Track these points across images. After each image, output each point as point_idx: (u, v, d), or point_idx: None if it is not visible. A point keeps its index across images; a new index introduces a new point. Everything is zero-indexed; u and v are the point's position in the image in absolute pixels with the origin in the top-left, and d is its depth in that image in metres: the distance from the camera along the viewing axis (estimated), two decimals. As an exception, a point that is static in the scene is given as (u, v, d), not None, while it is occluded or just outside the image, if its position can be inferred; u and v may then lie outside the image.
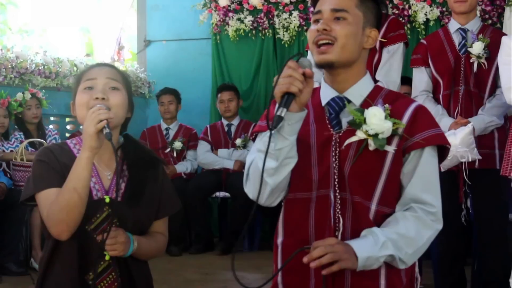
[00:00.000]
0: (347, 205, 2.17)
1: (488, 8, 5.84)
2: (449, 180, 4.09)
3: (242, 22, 6.82)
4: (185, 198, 6.20)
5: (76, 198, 2.22)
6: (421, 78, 4.30)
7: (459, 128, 3.94)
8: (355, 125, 2.16)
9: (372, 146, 2.14)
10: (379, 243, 2.06)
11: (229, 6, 6.88)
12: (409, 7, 6.13)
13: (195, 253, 6.14)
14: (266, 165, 2.07)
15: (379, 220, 2.15)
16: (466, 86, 4.11)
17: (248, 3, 6.75)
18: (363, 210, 2.16)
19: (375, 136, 2.13)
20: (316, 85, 4.16)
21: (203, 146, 6.57)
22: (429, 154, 2.20)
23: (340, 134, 2.21)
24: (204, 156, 6.52)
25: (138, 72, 7.41)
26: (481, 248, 4.16)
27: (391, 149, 2.15)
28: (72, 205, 2.23)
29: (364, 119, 2.14)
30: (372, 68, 4.04)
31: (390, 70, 4.02)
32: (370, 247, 2.05)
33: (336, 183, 2.19)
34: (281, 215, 2.30)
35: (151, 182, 2.43)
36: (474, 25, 4.19)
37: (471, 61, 4.09)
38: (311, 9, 6.39)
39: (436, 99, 4.25)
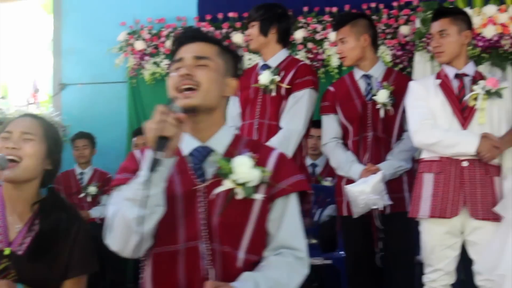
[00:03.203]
0: (216, 256, 2.16)
1: (399, 53, 5.98)
2: (362, 226, 4.14)
3: (158, 65, 6.80)
4: (99, 244, 6.08)
5: None
6: (330, 125, 4.35)
7: (369, 175, 3.98)
8: (223, 175, 2.17)
9: (240, 195, 2.15)
10: None
11: (145, 49, 6.85)
12: (323, 52, 6.22)
13: (109, 300, 6.01)
14: (136, 213, 2.03)
15: (248, 268, 2.15)
16: (374, 132, 4.17)
17: (164, 47, 6.75)
18: (232, 259, 2.15)
19: (243, 184, 2.14)
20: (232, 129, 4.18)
21: (119, 191, 6.47)
22: (294, 200, 2.24)
23: (207, 184, 2.20)
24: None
25: (52, 115, 7.29)
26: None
27: (259, 196, 2.17)
28: None
29: (231, 168, 2.15)
30: (279, 115, 4.04)
31: (294, 118, 4.01)
32: None
33: (205, 234, 2.17)
34: (149, 271, 2.24)
35: (61, 239, 2.38)
36: (377, 70, 4.27)
37: (377, 107, 4.15)
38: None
39: (346, 145, 4.29)
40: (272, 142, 3.91)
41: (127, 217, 2.06)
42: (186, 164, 2.26)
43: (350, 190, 4.02)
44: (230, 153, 2.23)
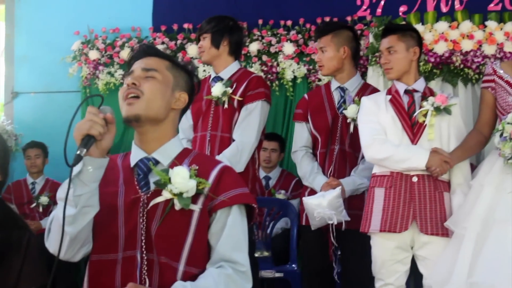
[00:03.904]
0: (154, 266, 2.18)
1: (353, 67, 6.02)
2: (320, 239, 4.16)
3: (112, 75, 6.75)
4: (50, 255, 6.01)
5: None
6: (301, 133, 4.38)
7: (329, 190, 4.00)
8: (160, 185, 2.19)
9: (177, 205, 2.17)
10: None
11: (99, 59, 6.80)
12: (277, 65, 6.24)
13: (59, 312, 5.94)
14: (65, 212, 2.04)
15: (187, 280, 2.16)
16: (341, 145, 4.19)
17: (119, 57, 6.70)
18: (170, 271, 2.17)
19: (180, 195, 2.16)
20: (184, 142, 4.16)
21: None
22: (236, 213, 2.25)
23: (148, 195, 2.22)
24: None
25: (4, 124, 7.20)
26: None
27: (196, 207, 2.19)
28: None
29: (169, 179, 2.17)
30: (231, 128, 4.04)
31: (246, 129, 4.00)
32: None
33: (143, 244, 2.19)
34: (85, 278, 2.26)
35: (12, 252, 2.36)
36: (352, 84, 4.29)
37: (348, 121, 4.17)
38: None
39: (315, 155, 4.31)
40: (225, 154, 3.91)
41: (59, 217, 2.08)
42: (133, 175, 2.30)
43: (307, 202, 4.03)
44: (175, 165, 2.25)
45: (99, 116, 2.09)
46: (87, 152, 2.06)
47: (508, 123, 3.49)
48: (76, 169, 2.07)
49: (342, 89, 4.28)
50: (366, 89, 4.28)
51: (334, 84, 4.32)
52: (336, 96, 4.30)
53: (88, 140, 2.06)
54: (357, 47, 4.34)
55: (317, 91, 4.51)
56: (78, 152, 2.04)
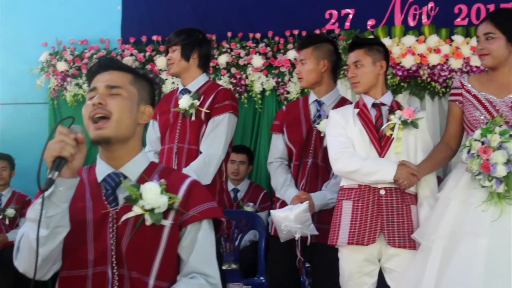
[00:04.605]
0: (125, 282, 2.17)
1: (321, 80, 6.05)
2: (288, 250, 4.15)
3: (80, 87, 6.71)
4: (13, 267, 5.94)
5: None
6: (277, 144, 4.38)
7: (297, 203, 4.00)
8: (131, 201, 2.20)
9: (148, 221, 2.18)
10: None
11: (67, 71, 6.76)
12: (246, 77, 6.25)
13: (25, 325, 5.87)
14: (35, 234, 2.02)
15: None
16: (314, 159, 4.19)
17: (87, 69, 6.65)
18: (141, 285, 2.17)
19: (152, 211, 2.16)
20: (151, 154, 4.12)
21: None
22: (206, 227, 2.27)
23: (117, 210, 2.22)
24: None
25: (-29, 136, 7.14)
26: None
27: (167, 223, 2.20)
28: None
29: (140, 195, 2.17)
30: (198, 140, 4.04)
31: (213, 142, 4.01)
32: None
33: (113, 259, 2.19)
34: None
35: None
36: (330, 98, 4.30)
37: (321, 135, 4.17)
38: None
39: (291, 168, 4.31)
40: (192, 166, 3.90)
41: (30, 238, 2.07)
42: (100, 190, 2.29)
43: (274, 215, 4.03)
44: (143, 180, 2.26)
45: (69, 136, 2.07)
46: (58, 174, 2.04)
47: (476, 140, 3.51)
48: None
49: (319, 103, 4.28)
50: (343, 104, 4.26)
51: (312, 97, 4.33)
52: (312, 109, 4.30)
53: (59, 162, 2.03)
54: (337, 61, 4.36)
55: (295, 103, 4.51)
56: (50, 176, 2.01)
